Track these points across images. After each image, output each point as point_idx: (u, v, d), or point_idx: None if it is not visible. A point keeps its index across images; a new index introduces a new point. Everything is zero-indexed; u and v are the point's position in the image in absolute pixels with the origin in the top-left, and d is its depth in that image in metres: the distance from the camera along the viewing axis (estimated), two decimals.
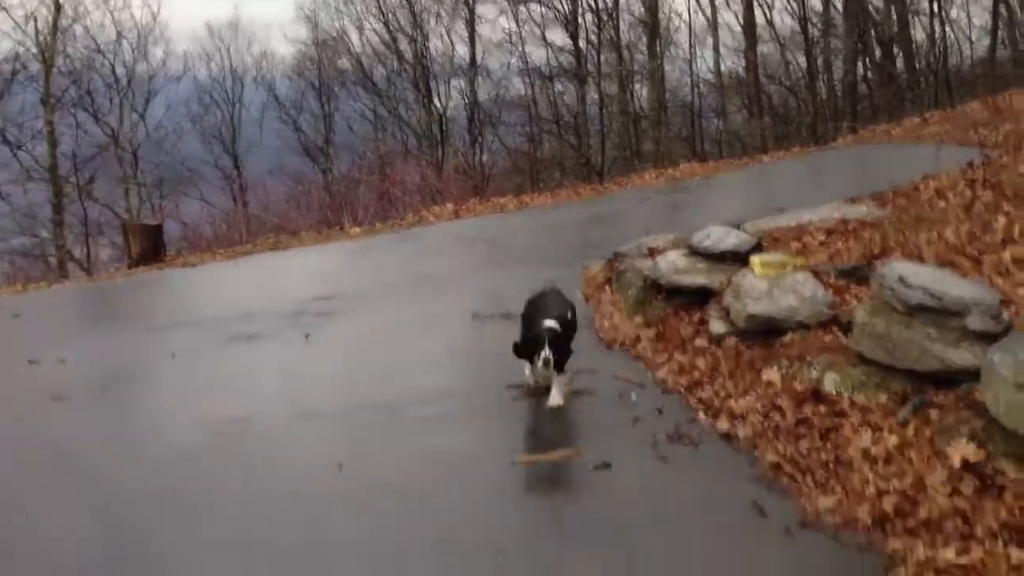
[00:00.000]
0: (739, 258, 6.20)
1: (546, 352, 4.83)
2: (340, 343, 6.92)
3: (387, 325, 7.29)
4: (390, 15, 32.74)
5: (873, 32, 29.12)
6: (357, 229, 13.98)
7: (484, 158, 30.86)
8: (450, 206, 14.78)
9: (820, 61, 29.78)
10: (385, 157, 26.48)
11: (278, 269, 10.97)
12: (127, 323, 8.50)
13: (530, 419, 5.02)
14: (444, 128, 31.50)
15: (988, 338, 4.17)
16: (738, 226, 6.94)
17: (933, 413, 4.12)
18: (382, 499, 4.13)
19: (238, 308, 8.23)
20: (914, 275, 4.59)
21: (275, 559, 3.65)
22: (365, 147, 30.89)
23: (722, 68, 31.01)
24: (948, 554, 3.22)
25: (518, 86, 31.82)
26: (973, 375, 4.03)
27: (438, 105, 32.05)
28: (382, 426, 5.04)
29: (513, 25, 31.49)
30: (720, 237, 6.52)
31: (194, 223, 23.86)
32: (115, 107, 28.00)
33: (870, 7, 28.79)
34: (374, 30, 33.50)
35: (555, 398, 5.04)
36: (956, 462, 3.70)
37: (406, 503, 4.07)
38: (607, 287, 7.40)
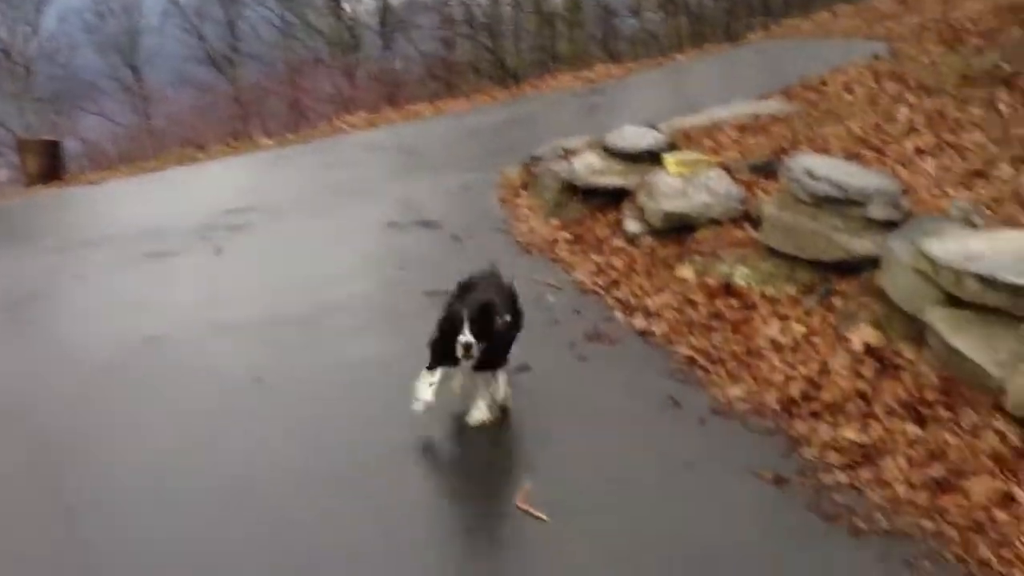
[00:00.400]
0: (654, 157, 6.23)
1: (465, 336, 3.56)
2: (253, 256, 6.76)
3: (301, 236, 7.15)
4: None
5: None
6: (268, 140, 13.51)
7: (398, 64, 29.98)
8: (364, 114, 14.37)
9: None
10: (295, 65, 25.52)
11: (186, 183, 10.58)
12: (28, 244, 8.13)
13: None
14: (355, 34, 30.43)
15: (890, 226, 4.32)
16: (653, 126, 6.95)
17: (837, 301, 4.28)
18: (301, 409, 4.13)
19: (146, 225, 7.94)
20: (820, 167, 4.69)
21: (194, 472, 3.63)
22: (273, 55, 29.70)
23: None
24: (849, 433, 3.39)
25: None
26: (875, 263, 4.18)
27: (347, 9, 30.89)
28: (299, 338, 4.99)
29: None
30: (635, 137, 6.54)
31: (94, 139, 22.71)
32: (6, 19, 26.30)
33: None
34: None
35: (479, 411, 3.83)
36: (858, 346, 3.87)
37: (325, 412, 4.07)
38: (524, 191, 7.37)
